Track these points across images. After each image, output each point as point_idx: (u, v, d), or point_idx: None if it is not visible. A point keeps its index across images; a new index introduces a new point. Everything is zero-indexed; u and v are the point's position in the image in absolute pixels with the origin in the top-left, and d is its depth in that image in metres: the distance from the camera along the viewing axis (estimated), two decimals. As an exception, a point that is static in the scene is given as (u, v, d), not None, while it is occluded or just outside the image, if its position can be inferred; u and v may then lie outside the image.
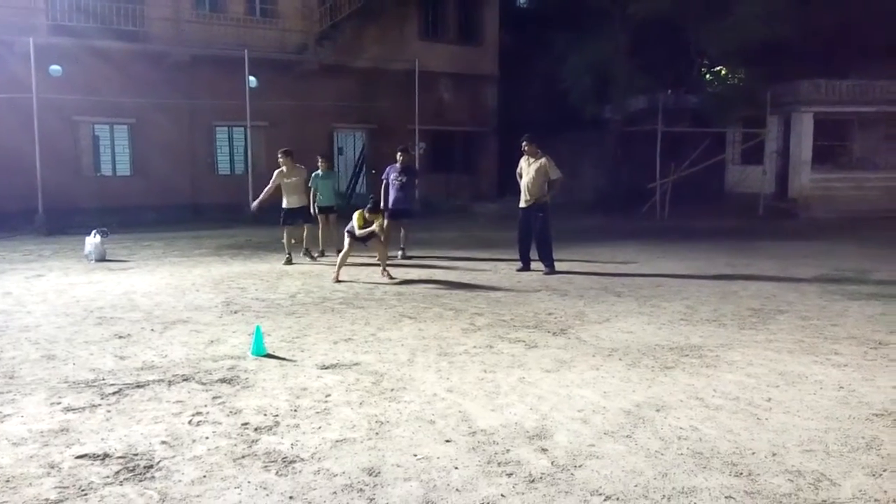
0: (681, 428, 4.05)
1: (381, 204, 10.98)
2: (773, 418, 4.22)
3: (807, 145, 19.42)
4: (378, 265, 9.66)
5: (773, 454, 3.69)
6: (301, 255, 11.12)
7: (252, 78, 17.73)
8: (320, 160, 11.59)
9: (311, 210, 11.24)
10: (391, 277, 9.30)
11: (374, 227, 9.34)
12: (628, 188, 20.30)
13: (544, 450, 3.74)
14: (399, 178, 11.18)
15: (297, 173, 10.99)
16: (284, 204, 11.02)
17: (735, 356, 5.58)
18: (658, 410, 4.33)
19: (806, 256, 11.46)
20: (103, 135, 18.24)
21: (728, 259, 11.14)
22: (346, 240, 9.51)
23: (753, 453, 3.70)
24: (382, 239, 9.65)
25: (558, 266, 9.87)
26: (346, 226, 9.64)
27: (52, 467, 3.52)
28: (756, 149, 20.58)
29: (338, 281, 9.08)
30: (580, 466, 3.54)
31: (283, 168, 10.93)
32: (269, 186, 10.96)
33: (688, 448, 3.76)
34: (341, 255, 9.48)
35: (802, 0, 17.42)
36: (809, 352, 5.73)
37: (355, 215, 9.45)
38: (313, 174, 11.27)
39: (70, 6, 16.73)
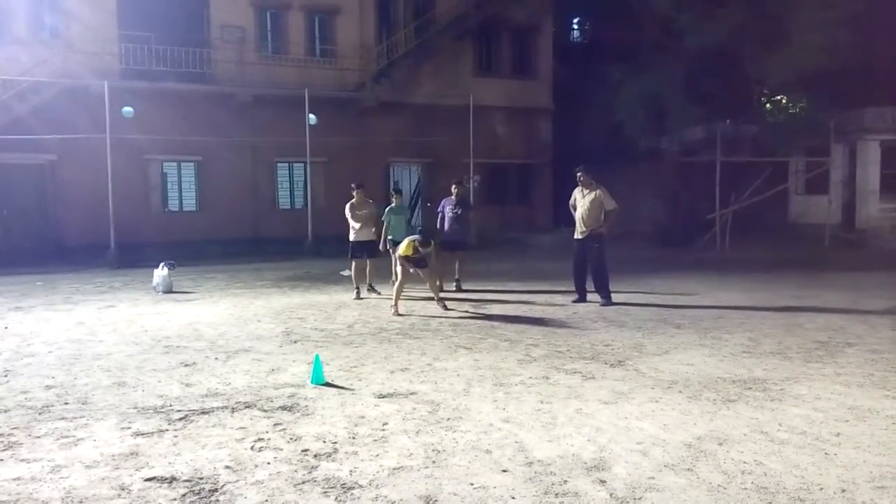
0: (744, 462, 3.94)
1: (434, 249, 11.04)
2: (843, 453, 4.07)
3: (874, 174, 18.83)
4: (432, 297, 9.70)
5: (843, 490, 3.56)
6: (366, 290, 10.91)
7: (312, 116, 18.29)
8: (393, 194, 11.73)
9: (383, 245, 11.04)
10: (446, 308, 9.34)
11: (423, 254, 9.32)
12: (687, 219, 19.97)
13: (603, 481, 3.70)
14: (454, 211, 11.28)
15: (366, 207, 11.01)
16: (353, 237, 10.92)
17: (801, 390, 5.41)
18: (720, 444, 4.23)
19: (876, 288, 11.03)
20: (171, 172, 19.05)
21: (793, 291, 10.82)
22: (399, 269, 9.55)
23: (821, 489, 3.58)
24: (433, 267, 9.58)
25: (615, 297, 9.76)
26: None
27: (123, 489, 3.65)
28: (820, 178, 20.03)
29: (398, 314, 9.06)
30: (640, 499, 3.48)
31: (354, 201, 10.96)
32: (349, 221, 10.92)
33: (752, 483, 3.66)
34: (396, 286, 9.52)
35: (865, 27, 17.03)
36: (880, 386, 5.51)
37: (404, 243, 9.43)
38: (386, 208, 11.31)
39: (142, 51, 17.64)
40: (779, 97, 23.50)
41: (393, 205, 11.41)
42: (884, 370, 5.99)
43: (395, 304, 9.29)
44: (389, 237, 10.98)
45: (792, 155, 20.66)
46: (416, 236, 9.48)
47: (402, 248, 9.34)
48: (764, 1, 18.08)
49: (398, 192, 11.94)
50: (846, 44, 16.51)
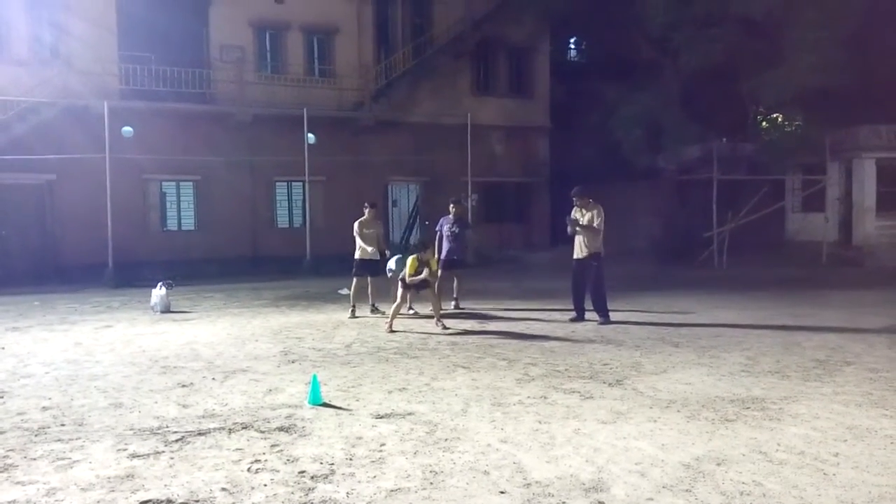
0: (743, 483, 3.93)
1: (435, 254, 11.10)
2: (841, 474, 4.06)
3: (870, 191, 18.88)
4: (431, 316, 9.72)
5: (842, 511, 3.55)
6: (369, 311, 10.84)
7: (311, 135, 18.38)
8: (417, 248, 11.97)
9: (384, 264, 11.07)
10: (445, 327, 9.34)
11: (426, 274, 9.42)
12: (684, 237, 20.00)
13: (601, 502, 3.68)
14: (452, 230, 11.30)
15: (374, 226, 11.04)
16: (358, 255, 10.90)
17: (800, 409, 5.40)
18: (719, 464, 4.22)
19: (873, 306, 11.04)
20: (170, 192, 19.09)
21: (790, 309, 10.82)
22: (399, 290, 9.63)
23: (820, 510, 3.57)
24: (434, 286, 9.70)
25: (613, 316, 9.76)
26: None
27: (119, 512, 3.64)
28: (817, 196, 20.08)
29: (391, 331, 9.16)
30: (638, 520, 3.47)
31: (365, 218, 10.97)
32: (357, 240, 10.86)
33: None
34: (394, 305, 9.57)
35: (860, 45, 17.18)
36: (879, 405, 5.50)
37: (408, 261, 9.54)
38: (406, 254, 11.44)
39: (142, 71, 17.74)
40: (774, 115, 23.65)
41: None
42: (882, 389, 5.99)
43: (391, 322, 9.32)
44: (392, 267, 10.98)
45: (788, 173, 20.75)
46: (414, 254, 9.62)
47: (407, 269, 9.44)
48: (759, 20, 18.25)
49: (425, 246, 12.03)
50: (841, 62, 16.64)
